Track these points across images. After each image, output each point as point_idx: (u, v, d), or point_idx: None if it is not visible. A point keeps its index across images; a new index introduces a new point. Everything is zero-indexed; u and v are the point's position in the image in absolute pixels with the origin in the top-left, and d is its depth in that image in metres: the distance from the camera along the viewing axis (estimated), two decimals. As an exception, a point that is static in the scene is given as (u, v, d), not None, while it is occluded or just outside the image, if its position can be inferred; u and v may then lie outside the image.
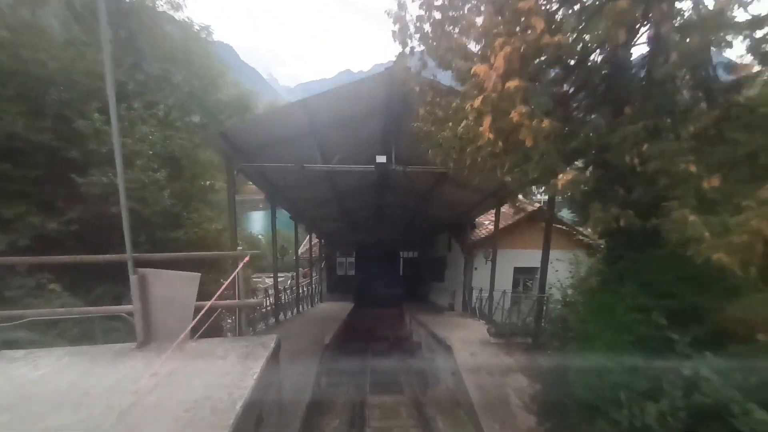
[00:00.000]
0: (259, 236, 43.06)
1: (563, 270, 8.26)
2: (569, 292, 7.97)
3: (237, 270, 4.08)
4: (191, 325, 3.87)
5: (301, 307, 15.10)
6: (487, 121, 3.35)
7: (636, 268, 3.66)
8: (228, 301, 4.96)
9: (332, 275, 23.17)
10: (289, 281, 27.26)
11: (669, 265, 3.29)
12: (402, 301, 20.75)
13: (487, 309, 12.16)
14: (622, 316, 3.53)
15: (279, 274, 32.78)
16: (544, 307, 7.81)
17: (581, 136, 3.69)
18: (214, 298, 3.86)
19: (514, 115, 3.07)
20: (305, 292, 17.15)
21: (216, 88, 11.10)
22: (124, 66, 9.93)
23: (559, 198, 7.21)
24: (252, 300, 4.47)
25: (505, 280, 14.03)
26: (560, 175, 3.22)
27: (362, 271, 22.01)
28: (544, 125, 3.01)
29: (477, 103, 3.32)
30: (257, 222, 47.19)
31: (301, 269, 28.56)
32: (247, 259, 4.17)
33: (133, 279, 3.67)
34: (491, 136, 3.40)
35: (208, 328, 4.16)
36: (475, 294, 13.08)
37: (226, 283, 4.07)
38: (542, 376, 6.56)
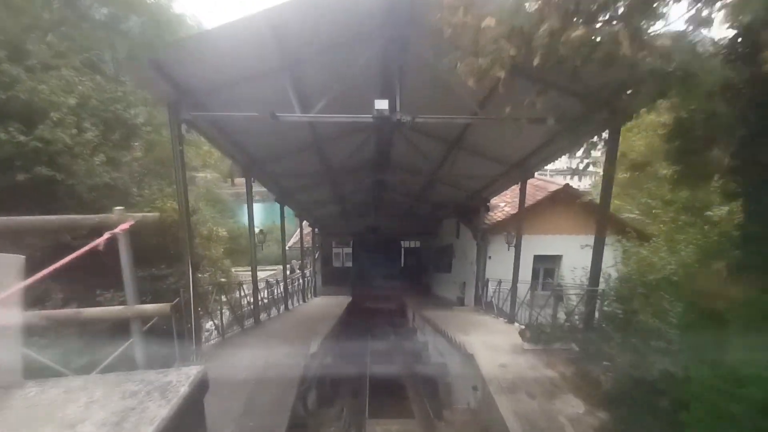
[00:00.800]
0: (256, 230, 41.24)
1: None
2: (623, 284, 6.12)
3: (98, 243, 2.14)
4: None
5: (291, 303, 13.26)
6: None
7: None
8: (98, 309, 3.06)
9: (327, 267, 21.33)
10: (290, 273, 25.45)
11: None
12: (404, 294, 18.97)
13: (506, 304, 10.33)
14: None
15: (270, 267, 30.98)
16: (596, 305, 5.96)
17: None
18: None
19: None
20: (297, 287, 15.31)
21: (173, 34, 9.16)
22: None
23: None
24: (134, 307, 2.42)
25: (522, 270, 12.19)
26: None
27: (360, 263, 20.19)
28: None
29: None
30: (254, 214, 45.24)
31: (295, 261, 26.75)
32: (125, 226, 2.24)
33: None
34: None
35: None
36: (491, 287, 11.23)
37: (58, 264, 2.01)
38: (613, 402, 4.74)
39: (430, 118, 5.36)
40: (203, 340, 6.04)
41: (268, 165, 8.79)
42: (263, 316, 9.60)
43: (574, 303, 6.68)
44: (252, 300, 9.45)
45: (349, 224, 18.94)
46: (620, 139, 20.04)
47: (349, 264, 21.19)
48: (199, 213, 10.26)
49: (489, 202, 11.72)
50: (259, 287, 11.42)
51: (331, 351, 8.86)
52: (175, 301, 5.46)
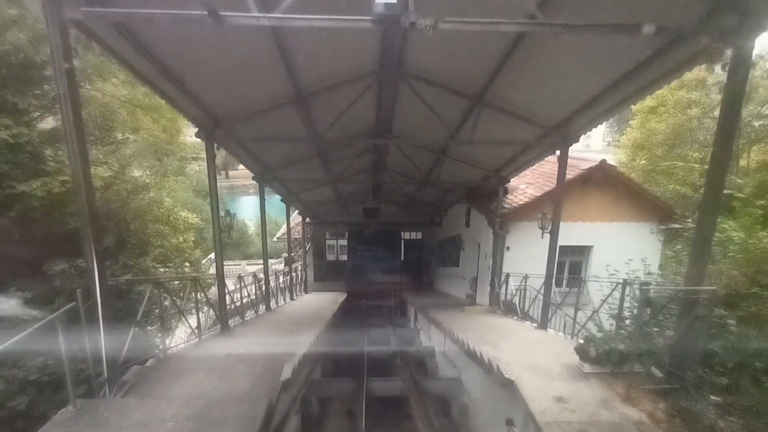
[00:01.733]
0: (248, 221, 39.18)
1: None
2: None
3: None
4: None
5: (277, 300, 11.38)
6: None
7: None
8: None
9: (320, 260, 19.42)
10: (279, 266, 23.55)
11: None
12: (405, 291, 17.14)
13: (533, 305, 8.51)
14: None
15: (260, 262, 28.83)
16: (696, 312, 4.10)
17: None
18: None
19: None
20: (284, 282, 13.41)
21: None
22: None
23: None
24: None
25: (543, 263, 10.35)
26: None
27: (356, 256, 18.30)
28: None
29: None
30: (248, 208, 42.93)
31: (285, 255, 24.82)
32: None
33: None
34: None
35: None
36: (512, 283, 9.38)
37: None
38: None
39: (463, 22, 3.42)
40: (121, 362, 4.14)
41: (237, 125, 6.81)
42: (233, 321, 7.69)
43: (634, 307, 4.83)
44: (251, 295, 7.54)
45: (342, 212, 17.00)
46: (640, 122, 17.88)
47: (344, 257, 19.29)
48: (152, 190, 8.26)
49: (509, 182, 9.82)
50: (245, 283, 9.52)
51: (316, 370, 7.00)
52: (68, 306, 3.56)
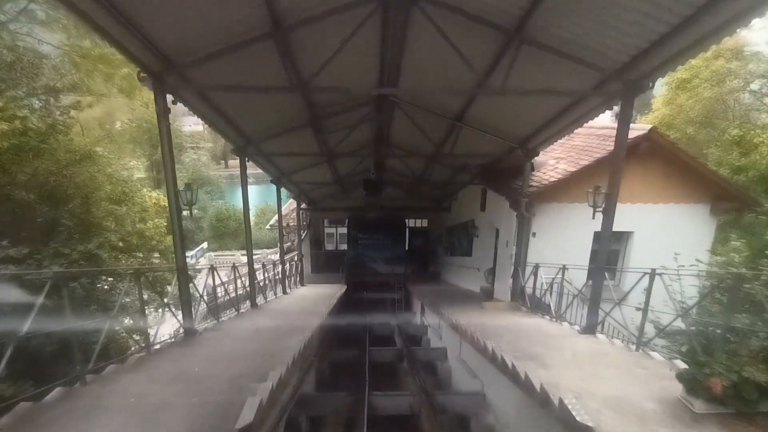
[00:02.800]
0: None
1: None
2: None
3: None
4: None
5: (265, 296, 9.92)
6: None
7: None
8: None
9: (318, 250, 17.95)
10: (275, 257, 22.09)
11: None
12: (410, 284, 15.67)
13: (574, 306, 6.98)
14: None
15: (259, 251, 27.48)
16: None
17: None
18: None
19: None
20: (277, 274, 11.94)
21: None
22: None
23: None
24: None
25: (574, 252, 8.85)
26: None
27: (356, 245, 16.78)
28: None
29: None
30: (249, 197, 40.97)
31: (288, 244, 23.35)
32: None
33: None
34: None
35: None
36: (543, 276, 7.84)
37: None
38: None
39: None
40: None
41: (194, 69, 5.22)
42: (206, 323, 6.21)
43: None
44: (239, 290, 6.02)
45: (342, 196, 15.46)
46: (668, 99, 15.89)
47: (345, 246, 17.77)
48: (96, 161, 6.65)
49: (537, 155, 8.20)
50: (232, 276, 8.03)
51: (303, 385, 5.51)
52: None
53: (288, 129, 8.12)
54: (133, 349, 4.57)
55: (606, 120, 11.84)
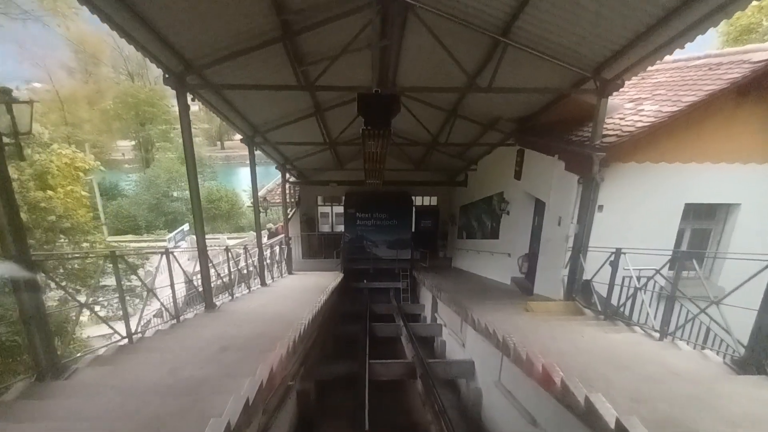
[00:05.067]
0: (242, 191, 35.14)
1: None
2: None
3: None
4: None
5: (231, 293, 7.48)
6: None
7: None
8: None
9: (311, 232, 15.46)
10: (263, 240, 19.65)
11: None
12: (415, 270, 13.28)
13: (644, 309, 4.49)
14: None
15: (237, 235, 25.15)
16: None
17: None
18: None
19: None
20: (252, 265, 9.52)
21: None
22: None
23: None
24: None
25: (656, 230, 6.33)
26: None
27: (354, 226, 14.29)
28: None
29: None
30: (245, 178, 38.98)
31: (272, 226, 20.81)
32: None
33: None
34: None
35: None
36: (630, 266, 5.27)
37: None
38: None
39: None
40: None
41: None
42: (145, 330, 3.72)
43: None
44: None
45: (336, 165, 12.84)
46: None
47: (342, 228, 15.28)
48: None
49: (617, 90, 5.54)
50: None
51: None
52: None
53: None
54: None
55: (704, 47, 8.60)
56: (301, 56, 5.92)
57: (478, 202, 11.82)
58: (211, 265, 7.73)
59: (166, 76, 4.99)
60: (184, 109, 5.25)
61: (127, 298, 6.90)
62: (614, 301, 5.53)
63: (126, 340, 4.20)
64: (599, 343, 4.35)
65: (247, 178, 9.05)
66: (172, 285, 5.41)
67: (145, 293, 5.52)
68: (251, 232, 25.28)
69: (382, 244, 14.28)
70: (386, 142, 5.27)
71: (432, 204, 16.10)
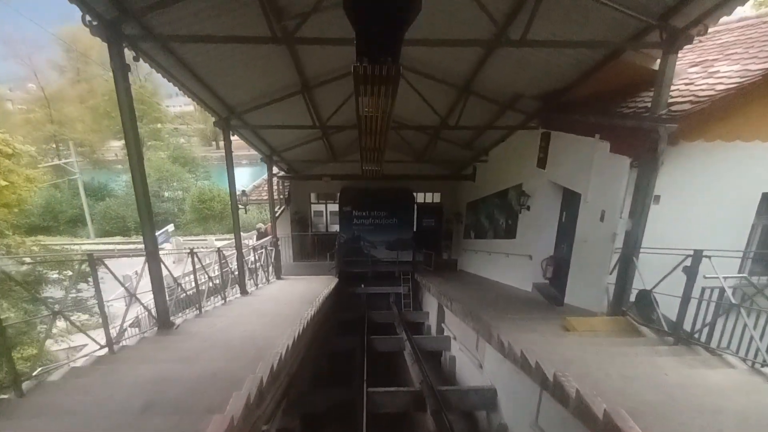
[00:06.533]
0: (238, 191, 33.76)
1: None
2: None
3: None
4: None
5: (198, 306, 6.13)
6: None
7: None
8: None
9: (303, 233, 14.12)
10: (250, 241, 18.28)
11: None
12: (417, 274, 11.97)
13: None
14: None
15: (227, 236, 23.93)
16: None
17: None
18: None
19: None
20: (254, 265, 8.18)
21: None
22: None
23: None
24: None
25: (724, 226, 5.05)
26: None
27: (351, 226, 12.96)
28: None
29: None
30: (240, 178, 37.36)
31: (261, 225, 19.39)
32: None
33: None
34: None
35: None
36: (717, 273, 3.95)
37: None
38: None
39: None
40: None
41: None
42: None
43: None
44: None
45: (328, 152, 11.47)
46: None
47: (337, 228, 13.93)
48: None
49: (691, 42, 4.24)
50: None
51: None
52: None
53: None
54: None
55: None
56: (279, 9, 4.60)
57: (489, 197, 10.50)
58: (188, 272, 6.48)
59: (93, 22, 3.63)
60: (119, 68, 3.93)
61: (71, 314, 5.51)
62: (688, 318, 4.22)
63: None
64: (694, 385, 3.04)
65: (243, 178, 8.02)
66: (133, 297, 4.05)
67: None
68: (245, 233, 23.91)
69: (381, 245, 12.96)
70: (393, 91, 3.22)
71: (435, 201, 14.79)
